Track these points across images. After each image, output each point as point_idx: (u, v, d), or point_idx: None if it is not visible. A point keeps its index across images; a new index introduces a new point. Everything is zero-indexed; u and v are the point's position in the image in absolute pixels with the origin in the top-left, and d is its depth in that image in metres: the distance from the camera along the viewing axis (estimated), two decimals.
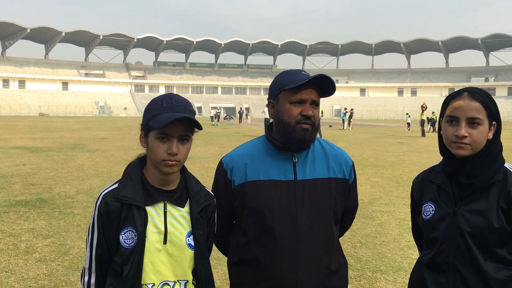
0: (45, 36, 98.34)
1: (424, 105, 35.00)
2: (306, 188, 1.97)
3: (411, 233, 2.30)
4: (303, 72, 1.96)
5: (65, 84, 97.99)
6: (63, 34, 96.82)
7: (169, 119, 1.69)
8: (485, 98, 1.86)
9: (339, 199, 2.04)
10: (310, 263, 1.92)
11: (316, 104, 1.96)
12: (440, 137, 1.99)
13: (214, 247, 2.11)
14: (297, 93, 1.93)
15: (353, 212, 2.26)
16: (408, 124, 39.27)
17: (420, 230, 2.09)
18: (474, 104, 1.84)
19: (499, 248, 1.83)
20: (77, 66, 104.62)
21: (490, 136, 1.89)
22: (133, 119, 68.11)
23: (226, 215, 2.10)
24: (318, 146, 2.09)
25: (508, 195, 1.82)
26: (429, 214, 1.97)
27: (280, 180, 1.97)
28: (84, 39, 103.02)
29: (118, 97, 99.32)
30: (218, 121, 49.30)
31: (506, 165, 1.92)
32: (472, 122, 1.84)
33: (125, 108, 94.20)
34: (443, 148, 1.98)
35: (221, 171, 2.09)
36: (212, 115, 51.21)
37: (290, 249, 1.91)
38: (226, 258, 2.17)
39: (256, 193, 1.97)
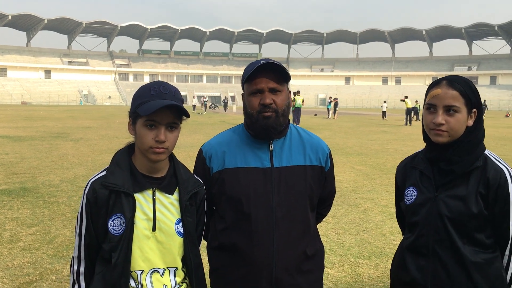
0: (26, 24, 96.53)
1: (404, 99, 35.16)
2: (283, 176, 2.01)
3: (394, 219, 2.36)
4: (261, 61, 1.97)
5: (47, 72, 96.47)
6: (45, 21, 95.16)
7: (157, 106, 1.69)
8: (463, 86, 1.90)
9: (315, 186, 2.08)
10: (286, 248, 1.97)
11: (276, 90, 1.97)
12: (423, 125, 2.04)
13: None
14: (253, 84, 1.97)
15: (330, 199, 2.31)
16: (384, 113, 39.36)
17: (403, 215, 2.15)
18: (451, 92, 1.89)
19: (477, 233, 1.89)
20: (60, 54, 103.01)
21: (470, 123, 1.93)
22: (118, 107, 67.46)
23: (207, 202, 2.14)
24: (296, 134, 2.13)
25: (487, 182, 1.87)
26: (411, 199, 2.02)
27: (257, 167, 2.01)
28: (66, 27, 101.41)
29: (102, 85, 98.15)
30: (205, 110, 49.18)
31: (486, 152, 1.97)
32: (450, 110, 1.89)
33: (109, 97, 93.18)
34: (425, 135, 2.03)
35: (200, 159, 2.13)
36: (194, 103, 51.09)
37: (266, 235, 1.96)
38: (203, 246, 2.20)
39: (234, 180, 2.01)
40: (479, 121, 1.96)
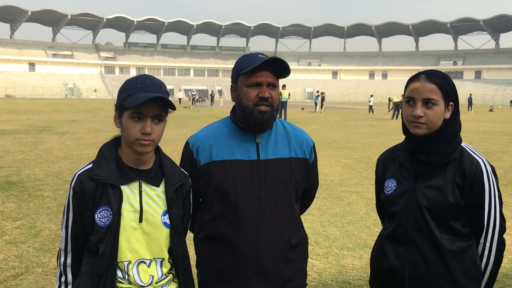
0: (10, 15, 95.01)
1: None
2: (269, 168, 2.05)
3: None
4: (260, 55, 2.00)
5: (32, 65, 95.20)
6: (29, 13, 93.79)
7: (143, 99, 1.72)
8: (441, 80, 1.97)
9: (299, 177, 2.13)
10: (272, 237, 2.02)
11: (273, 86, 2.02)
12: (403, 117, 2.09)
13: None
14: (253, 76, 1.99)
15: (313, 190, 2.36)
16: (370, 107, 39.62)
17: (383, 205, 2.21)
18: (429, 85, 1.95)
19: (453, 222, 1.95)
20: (44, 46, 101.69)
21: (447, 116, 2.00)
22: (104, 101, 66.93)
23: (193, 194, 2.17)
24: (281, 127, 2.18)
25: (463, 173, 1.94)
26: (391, 190, 2.08)
27: (244, 160, 2.05)
28: (51, 19, 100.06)
29: (88, 78, 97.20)
30: (193, 104, 48.91)
31: (462, 144, 2.04)
32: (428, 103, 1.95)
33: (95, 90, 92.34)
34: (405, 127, 2.08)
35: (187, 151, 2.16)
36: (180, 97, 50.79)
37: (253, 225, 2.00)
38: (188, 238, 2.23)
39: (221, 173, 2.04)
40: (455, 114, 2.02)
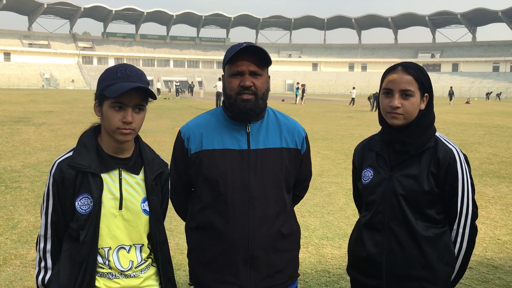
0: None
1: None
2: (259, 157, 2.06)
3: None
4: (244, 44, 2.00)
5: (7, 54, 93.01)
6: (4, 1, 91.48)
7: (124, 89, 1.73)
8: (417, 72, 2.02)
9: (290, 168, 2.14)
10: (261, 227, 2.03)
11: (257, 74, 2.02)
12: (379, 109, 2.14)
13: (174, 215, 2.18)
14: (234, 65, 2.01)
15: (306, 181, 2.37)
16: (352, 99, 39.94)
17: (360, 194, 2.26)
18: (406, 77, 2.00)
19: (428, 209, 2.01)
20: (19, 35, 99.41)
21: (423, 107, 2.06)
22: (81, 92, 65.95)
23: (184, 183, 2.18)
24: (273, 117, 2.18)
25: (438, 161, 2.00)
26: (368, 179, 2.13)
27: (234, 149, 2.05)
28: (27, 7, 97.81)
29: (65, 69, 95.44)
30: (177, 95, 47.90)
31: (437, 134, 2.10)
32: (405, 94, 2.00)
33: (73, 81, 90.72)
34: (381, 118, 2.13)
35: (179, 140, 2.17)
36: (158, 87, 49.42)
37: (243, 214, 2.01)
38: (178, 229, 2.25)
39: (211, 161, 2.05)
40: (430, 105, 2.08)
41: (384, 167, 2.09)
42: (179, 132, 2.19)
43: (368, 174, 2.14)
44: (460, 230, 2.02)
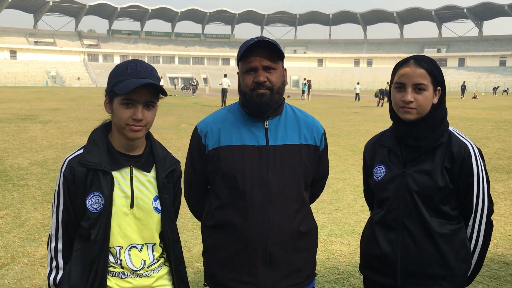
0: None
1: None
2: (278, 154, 2.01)
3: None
4: (255, 39, 1.96)
5: (13, 52, 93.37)
6: None
7: (134, 85, 1.69)
8: (430, 65, 1.97)
9: (309, 165, 2.09)
10: (280, 225, 1.98)
11: (270, 68, 1.97)
12: (390, 103, 2.09)
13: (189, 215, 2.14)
14: (247, 62, 1.97)
15: (323, 178, 2.33)
16: (357, 95, 39.74)
17: (372, 191, 2.21)
18: (419, 70, 1.95)
19: (443, 205, 1.97)
20: (25, 33, 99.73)
21: (435, 101, 2.01)
22: (87, 89, 66.09)
23: (201, 180, 2.14)
24: (291, 113, 2.14)
25: (452, 156, 1.95)
26: (380, 176, 2.08)
27: (252, 145, 2.01)
28: (32, 5, 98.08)
29: (71, 66, 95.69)
30: (193, 93, 46.28)
31: (450, 128, 2.05)
32: (418, 88, 1.95)
33: (78, 78, 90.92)
34: (393, 113, 2.08)
35: (196, 137, 2.12)
36: (162, 84, 47.24)
37: (261, 211, 1.97)
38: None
39: (229, 158, 2.01)
40: (442, 99, 2.03)
41: (397, 163, 2.04)
42: (196, 129, 2.14)
43: (380, 171, 2.09)
44: (476, 226, 1.98)
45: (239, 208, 1.99)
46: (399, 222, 2.00)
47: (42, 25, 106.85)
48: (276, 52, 1.97)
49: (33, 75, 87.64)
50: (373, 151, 2.19)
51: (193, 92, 47.21)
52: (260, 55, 1.95)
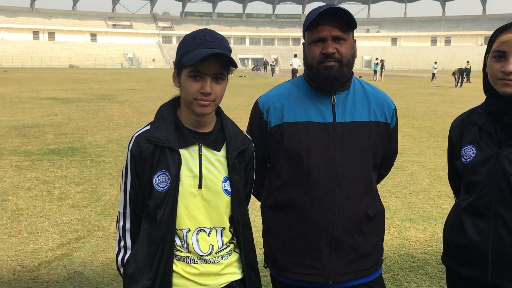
0: None
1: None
2: (346, 131, 1.86)
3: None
4: (325, 7, 1.78)
5: (93, 35, 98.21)
6: None
7: (202, 55, 1.58)
8: None
9: (379, 143, 1.92)
10: (347, 207, 1.84)
11: (340, 39, 1.80)
12: (485, 75, 1.84)
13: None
14: (315, 31, 1.80)
15: (392, 158, 2.16)
16: (433, 74, 37.85)
17: (458, 175, 1.98)
18: None
19: None
20: (104, 17, 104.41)
21: None
22: (161, 70, 68.22)
23: (261, 158, 2.01)
24: (359, 87, 1.96)
25: None
26: (470, 157, 1.85)
27: (318, 122, 1.86)
28: None
29: (146, 48, 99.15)
30: (272, 75, 45.14)
31: None
32: None
33: (153, 60, 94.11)
34: (487, 86, 1.84)
35: (257, 112, 2.00)
36: (245, 65, 46.26)
37: (327, 192, 1.83)
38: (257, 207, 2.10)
39: (293, 135, 1.87)
40: None
41: (490, 143, 1.79)
42: (256, 103, 2.01)
43: (469, 152, 1.86)
44: None
45: (303, 188, 1.85)
46: (492, 209, 1.76)
47: (119, 9, 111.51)
48: (348, 21, 1.79)
49: (111, 57, 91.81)
50: (461, 130, 1.94)
51: (272, 73, 45.93)
52: (330, 24, 1.77)
